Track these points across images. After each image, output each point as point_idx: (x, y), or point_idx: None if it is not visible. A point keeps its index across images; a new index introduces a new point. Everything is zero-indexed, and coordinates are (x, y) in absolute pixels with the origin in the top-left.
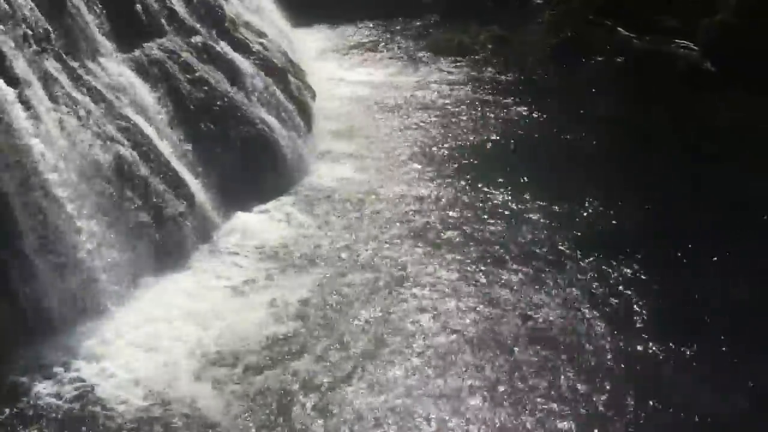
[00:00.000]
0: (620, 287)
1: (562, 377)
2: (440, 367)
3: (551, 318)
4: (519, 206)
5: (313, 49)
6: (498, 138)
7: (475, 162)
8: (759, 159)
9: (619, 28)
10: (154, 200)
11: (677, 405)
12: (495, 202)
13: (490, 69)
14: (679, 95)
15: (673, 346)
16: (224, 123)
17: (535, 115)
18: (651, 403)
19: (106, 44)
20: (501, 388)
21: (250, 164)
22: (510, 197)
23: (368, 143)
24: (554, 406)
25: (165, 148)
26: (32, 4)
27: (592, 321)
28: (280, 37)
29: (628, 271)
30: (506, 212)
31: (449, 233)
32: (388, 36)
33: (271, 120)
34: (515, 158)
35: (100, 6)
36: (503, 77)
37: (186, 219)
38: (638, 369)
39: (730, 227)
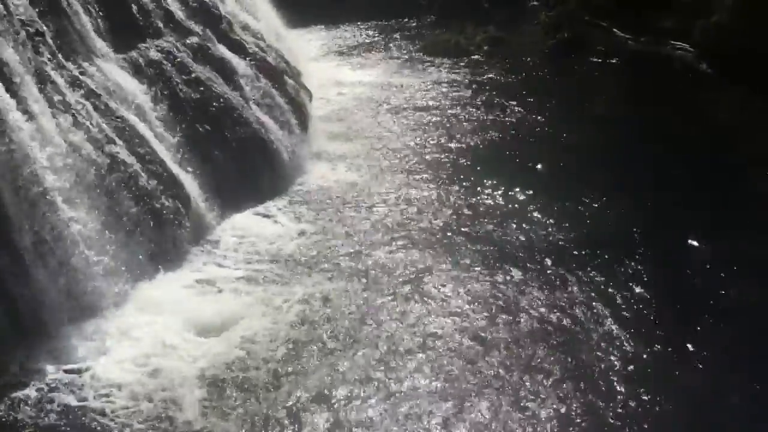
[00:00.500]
0: (618, 286)
1: (562, 376)
2: (441, 369)
3: (552, 318)
4: (516, 206)
5: (310, 50)
6: (494, 138)
7: (472, 163)
8: (756, 158)
9: (615, 30)
10: (150, 201)
11: (680, 404)
12: (492, 202)
13: (486, 70)
14: (675, 96)
15: (676, 345)
16: (220, 124)
17: (531, 116)
18: (652, 403)
19: (101, 45)
20: (493, 384)
21: (246, 165)
22: (507, 197)
23: (364, 144)
24: (552, 405)
25: (161, 148)
26: (27, 4)
27: (593, 320)
28: (276, 38)
29: (627, 269)
30: (503, 212)
31: (446, 234)
32: (385, 37)
33: (268, 121)
34: (511, 158)
35: (96, 6)
36: (499, 78)
37: (182, 220)
38: (640, 369)
39: (728, 226)
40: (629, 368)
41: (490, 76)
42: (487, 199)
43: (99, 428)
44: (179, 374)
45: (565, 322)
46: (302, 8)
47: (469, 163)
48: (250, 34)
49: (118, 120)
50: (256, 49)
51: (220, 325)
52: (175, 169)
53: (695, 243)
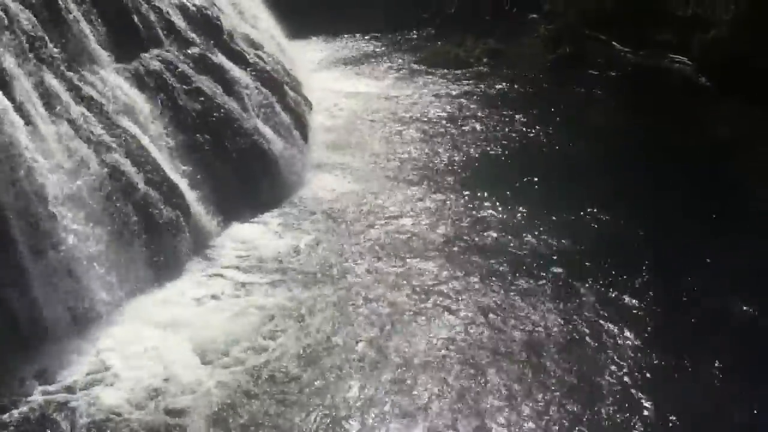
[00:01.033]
0: (619, 295)
1: (569, 386)
2: (440, 377)
3: (553, 327)
4: (516, 218)
5: (310, 61)
6: (496, 149)
7: (473, 174)
8: (755, 169)
9: (614, 43)
10: (150, 210)
11: (682, 415)
12: (493, 212)
13: (485, 82)
14: (674, 108)
15: (678, 355)
16: (220, 134)
17: (531, 128)
18: (653, 409)
19: (103, 54)
20: (504, 395)
21: (246, 175)
22: (507, 209)
23: (364, 155)
24: (557, 416)
25: (161, 158)
26: (30, 15)
27: (593, 329)
28: (277, 49)
29: (630, 279)
30: (504, 223)
31: (448, 245)
32: (385, 49)
33: (268, 131)
34: (512, 170)
35: (97, 16)
36: (499, 90)
37: (181, 229)
38: (641, 376)
39: (729, 236)
40: (635, 377)
41: (491, 87)
42: (488, 209)
43: None
44: (179, 381)
45: (569, 331)
46: (303, 20)
47: (470, 174)
48: (251, 45)
49: (119, 129)
50: (257, 60)
51: (222, 340)
52: (176, 178)
53: (695, 253)
